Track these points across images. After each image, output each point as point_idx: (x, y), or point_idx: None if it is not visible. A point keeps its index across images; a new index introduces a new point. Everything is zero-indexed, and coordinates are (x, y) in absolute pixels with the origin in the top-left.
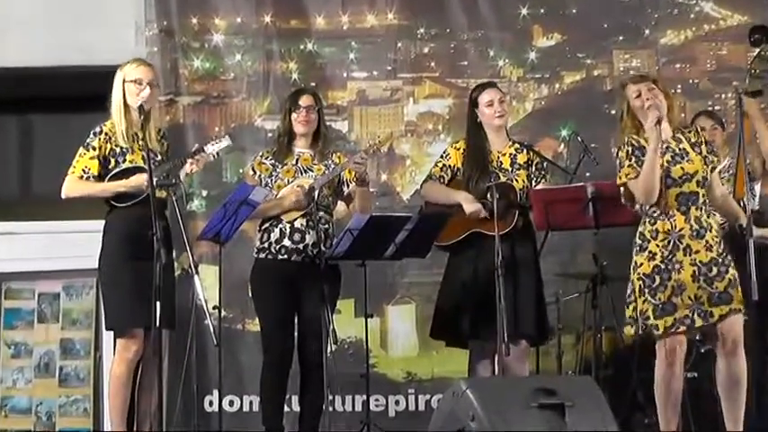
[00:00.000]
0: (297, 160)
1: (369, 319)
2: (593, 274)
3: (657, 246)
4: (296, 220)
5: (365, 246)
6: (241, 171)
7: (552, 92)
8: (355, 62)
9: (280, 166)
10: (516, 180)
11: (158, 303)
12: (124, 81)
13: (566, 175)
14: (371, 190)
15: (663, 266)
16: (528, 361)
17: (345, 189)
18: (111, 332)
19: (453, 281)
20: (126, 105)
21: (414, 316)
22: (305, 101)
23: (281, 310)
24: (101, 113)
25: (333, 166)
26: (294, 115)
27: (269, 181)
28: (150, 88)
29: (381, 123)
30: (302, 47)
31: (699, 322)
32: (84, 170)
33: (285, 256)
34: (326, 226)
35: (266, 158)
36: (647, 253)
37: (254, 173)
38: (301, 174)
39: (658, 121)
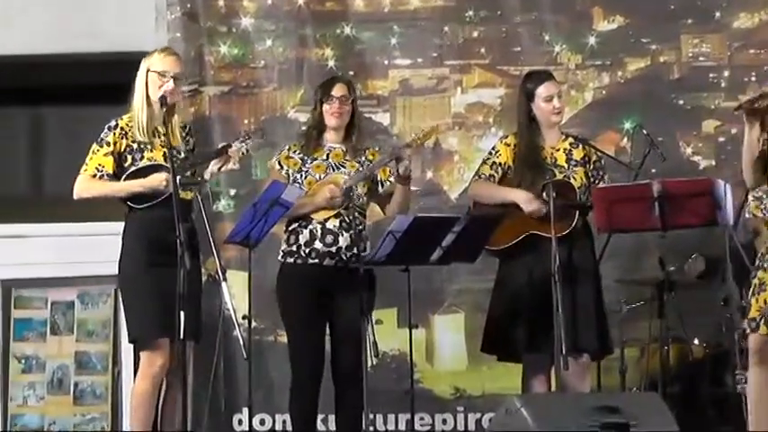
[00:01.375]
0: (327, 155)
1: (413, 330)
2: (660, 280)
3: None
4: (328, 220)
5: (409, 249)
6: None
7: (614, 80)
8: (397, 48)
9: (309, 161)
10: (574, 178)
11: (182, 313)
12: (148, 71)
13: (629, 172)
14: (415, 188)
15: (758, 263)
16: (588, 376)
17: (380, 189)
18: (132, 345)
19: (506, 288)
20: (148, 97)
21: (462, 326)
22: (338, 90)
23: (311, 320)
24: (117, 105)
25: (367, 162)
26: (326, 106)
27: (298, 177)
28: (174, 82)
29: (426, 115)
30: (339, 31)
31: (764, 330)
32: (97, 168)
33: (316, 260)
34: (360, 227)
35: (294, 152)
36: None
37: (281, 167)
38: (333, 170)
39: None
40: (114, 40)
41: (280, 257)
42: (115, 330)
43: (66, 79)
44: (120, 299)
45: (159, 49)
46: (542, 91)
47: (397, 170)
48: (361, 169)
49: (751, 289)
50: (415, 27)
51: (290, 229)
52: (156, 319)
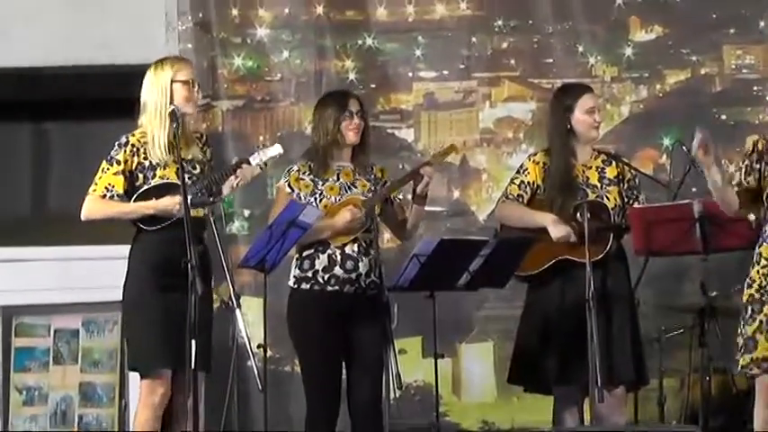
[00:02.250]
0: (338, 175)
1: (439, 360)
2: (701, 306)
3: (758, 272)
4: (346, 245)
5: (435, 274)
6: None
7: (652, 94)
8: (422, 60)
9: (321, 183)
10: (607, 198)
11: (193, 342)
12: (173, 81)
13: (668, 192)
14: (441, 209)
15: (757, 296)
16: (624, 409)
17: (390, 206)
18: (136, 374)
19: (536, 315)
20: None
21: (491, 356)
22: (354, 105)
23: (329, 349)
24: (125, 120)
25: (374, 179)
26: (344, 122)
27: (312, 201)
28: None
29: (453, 131)
30: (360, 42)
31: None
32: (107, 188)
33: (336, 287)
34: (375, 250)
35: (304, 173)
36: (747, 279)
37: (292, 191)
38: (346, 191)
39: None
40: (122, 52)
41: (292, 283)
42: (122, 360)
43: (70, 92)
44: (124, 324)
45: (169, 58)
46: (584, 102)
47: (414, 189)
48: (374, 188)
49: (756, 323)
50: (440, 37)
51: (304, 255)
52: (159, 348)
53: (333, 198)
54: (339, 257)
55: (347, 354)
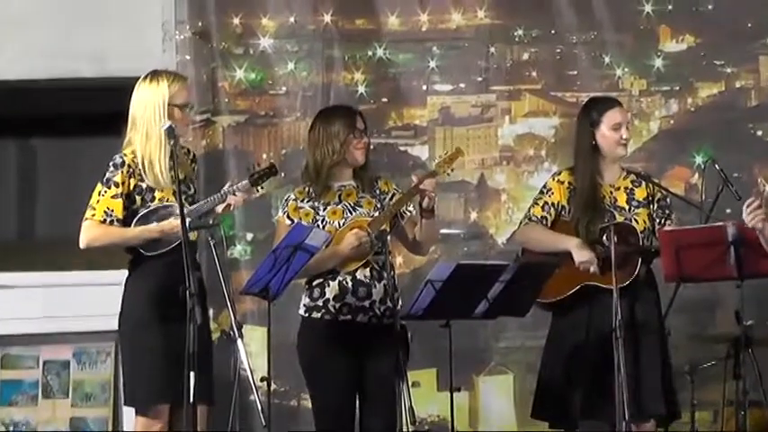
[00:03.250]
0: (339, 197)
1: (455, 394)
2: (735, 336)
3: None
4: (356, 270)
5: (450, 301)
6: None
7: (683, 108)
8: (437, 72)
9: (322, 208)
10: (636, 220)
11: (192, 374)
12: (169, 104)
13: (700, 213)
14: (457, 231)
15: None
16: None
17: (401, 221)
18: (132, 409)
19: (560, 346)
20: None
21: (511, 389)
22: (360, 122)
23: (342, 383)
24: (118, 136)
25: (381, 195)
26: (354, 141)
27: None
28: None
29: (469, 148)
30: (371, 53)
31: None
32: (106, 212)
33: (348, 316)
34: (392, 273)
35: (302, 201)
36: None
37: (291, 222)
38: (350, 212)
39: None
40: (115, 63)
41: (302, 312)
42: (116, 394)
43: (60, 106)
44: (120, 356)
45: (169, 74)
46: (610, 117)
47: (420, 203)
48: (380, 205)
49: None
50: (456, 48)
51: (313, 284)
52: (157, 381)
53: (336, 222)
54: (350, 284)
55: (361, 387)
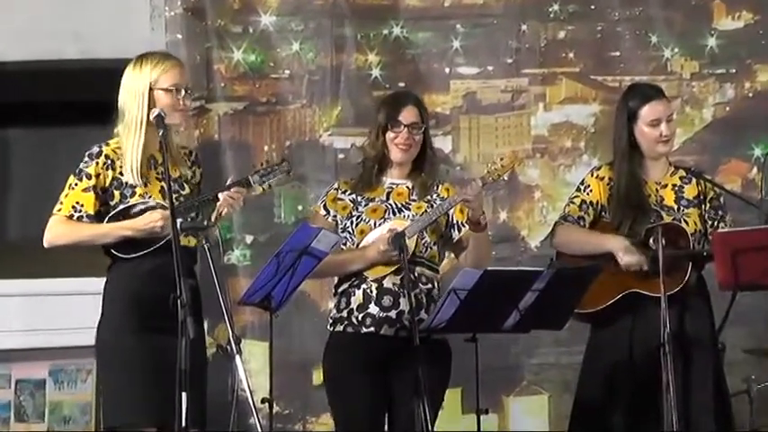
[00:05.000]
0: (388, 195)
1: (482, 416)
2: None
3: None
4: (385, 277)
5: (477, 313)
6: (301, 208)
7: (740, 94)
8: (461, 53)
9: (363, 203)
10: (686, 221)
11: (184, 394)
12: (151, 89)
13: (759, 213)
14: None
15: None
16: None
17: (456, 234)
18: None
19: (601, 361)
20: (149, 123)
21: (545, 411)
22: (407, 116)
23: (367, 405)
24: (101, 126)
25: (438, 202)
26: (391, 134)
27: (348, 224)
28: (187, 97)
29: (499, 139)
30: (386, 32)
31: None
32: (74, 207)
33: (371, 329)
34: (429, 286)
35: (344, 192)
36: None
37: (327, 213)
38: (394, 214)
39: None
40: (97, 44)
41: (329, 325)
42: (97, 416)
43: (35, 92)
44: (97, 372)
45: (151, 56)
46: (648, 112)
47: (467, 213)
48: (427, 212)
49: None
50: (483, 26)
51: (339, 291)
52: (140, 403)
53: (372, 222)
54: (375, 293)
55: (389, 407)
